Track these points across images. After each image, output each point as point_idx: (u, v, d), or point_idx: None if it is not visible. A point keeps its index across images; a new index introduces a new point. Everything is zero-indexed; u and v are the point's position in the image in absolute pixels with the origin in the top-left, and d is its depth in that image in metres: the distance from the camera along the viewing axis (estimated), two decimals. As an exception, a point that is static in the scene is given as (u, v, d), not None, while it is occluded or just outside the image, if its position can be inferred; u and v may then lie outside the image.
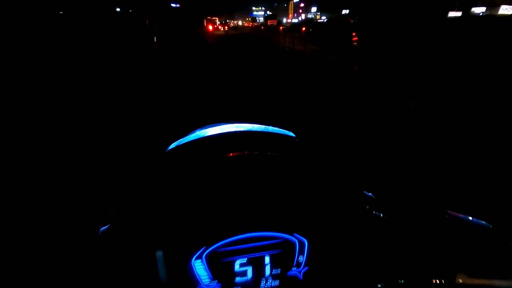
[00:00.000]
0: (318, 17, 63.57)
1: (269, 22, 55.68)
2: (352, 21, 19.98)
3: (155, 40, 16.29)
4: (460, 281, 0.45)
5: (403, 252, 0.44)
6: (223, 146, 0.47)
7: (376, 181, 1.10)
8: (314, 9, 67.04)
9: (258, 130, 0.50)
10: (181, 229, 0.42)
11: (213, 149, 0.47)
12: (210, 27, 38.44)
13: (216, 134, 0.49)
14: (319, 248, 0.42)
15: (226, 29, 45.11)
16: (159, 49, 13.98)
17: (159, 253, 0.40)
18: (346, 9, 52.71)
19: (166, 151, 0.51)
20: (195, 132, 0.52)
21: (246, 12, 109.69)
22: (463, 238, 0.47)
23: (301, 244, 0.41)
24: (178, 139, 0.52)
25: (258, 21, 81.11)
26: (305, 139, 0.53)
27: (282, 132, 0.52)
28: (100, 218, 0.49)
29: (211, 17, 45.00)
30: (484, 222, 0.52)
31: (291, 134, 0.53)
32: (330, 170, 0.50)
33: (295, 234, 0.41)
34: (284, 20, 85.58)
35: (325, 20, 51.01)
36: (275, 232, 0.41)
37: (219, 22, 49.92)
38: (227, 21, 61.08)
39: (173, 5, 36.93)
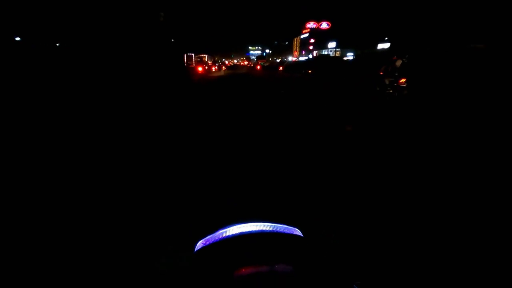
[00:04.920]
0: (338, 53, 51.79)
1: (259, 62, 54.69)
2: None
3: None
4: None
5: None
6: (241, 248, 0.56)
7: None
8: (332, 44, 55.17)
9: (268, 230, 0.59)
10: None
11: (234, 252, 0.56)
12: (200, 68, 29.07)
13: (234, 234, 0.58)
14: None
15: (224, 69, 40.28)
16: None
17: None
18: (385, 42, 40.62)
19: (194, 252, 0.59)
20: (218, 231, 0.60)
21: (242, 51, 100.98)
22: None
23: None
24: (205, 237, 0.60)
25: (253, 60, 72.25)
26: (311, 237, 0.61)
27: (289, 232, 0.60)
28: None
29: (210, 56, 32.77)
30: None
31: (299, 232, 0.61)
32: (329, 269, 0.56)
33: None
34: (290, 58, 74.94)
35: (352, 57, 38.78)
36: None
37: (211, 62, 38.35)
38: (227, 60, 50.23)
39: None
